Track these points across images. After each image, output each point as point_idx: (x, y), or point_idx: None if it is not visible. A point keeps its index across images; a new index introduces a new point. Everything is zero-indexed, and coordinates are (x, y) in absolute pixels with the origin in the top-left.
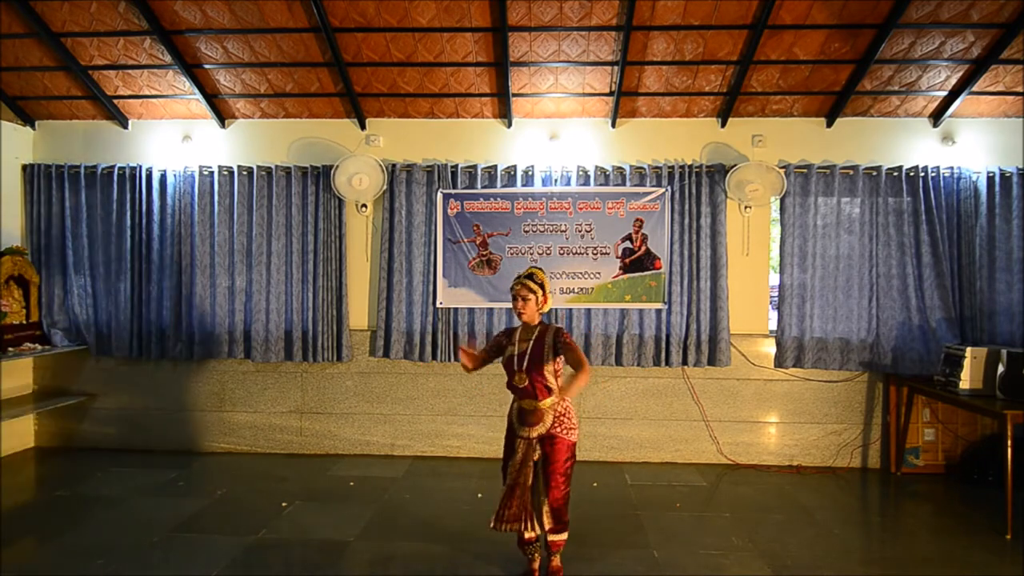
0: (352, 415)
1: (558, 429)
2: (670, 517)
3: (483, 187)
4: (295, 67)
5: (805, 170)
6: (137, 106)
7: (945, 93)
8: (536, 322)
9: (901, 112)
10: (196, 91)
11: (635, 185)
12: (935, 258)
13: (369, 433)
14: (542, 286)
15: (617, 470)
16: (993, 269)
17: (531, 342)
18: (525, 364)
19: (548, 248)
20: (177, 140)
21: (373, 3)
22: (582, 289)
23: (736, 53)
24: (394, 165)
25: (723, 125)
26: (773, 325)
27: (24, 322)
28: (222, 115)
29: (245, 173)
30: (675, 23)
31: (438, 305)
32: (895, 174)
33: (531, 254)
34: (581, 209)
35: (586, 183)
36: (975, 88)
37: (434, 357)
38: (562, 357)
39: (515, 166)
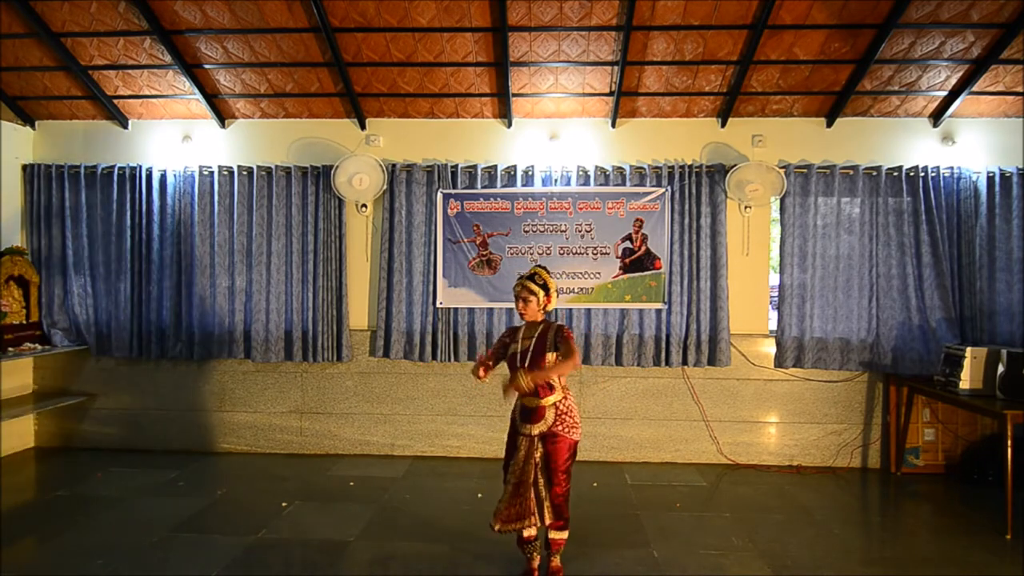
0: (352, 415)
1: (560, 427)
2: (670, 517)
3: (483, 187)
4: (295, 67)
5: (805, 170)
6: (137, 106)
7: (945, 93)
8: (539, 320)
9: (901, 112)
10: (196, 91)
11: (635, 185)
12: (935, 258)
13: (369, 433)
14: (544, 286)
15: (617, 470)
16: (993, 269)
17: (533, 339)
18: (527, 361)
19: (548, 248)
20: (177, 140)
21: (373, 3)
22: (582, 289)
23: (736, 53)
24: (394, 165)
25: (723, 125)
26: (773, 325)
27: (24, 322)
28: (222, 115)
29: (245, 173)
30: (675, 23)
31: (438, 305)
32: (895, 174)
33: (531, 254)
34: (581, 209)
35: (586, 183)
36: (975, 88)
37: (434, 357)
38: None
39: (515, 166)
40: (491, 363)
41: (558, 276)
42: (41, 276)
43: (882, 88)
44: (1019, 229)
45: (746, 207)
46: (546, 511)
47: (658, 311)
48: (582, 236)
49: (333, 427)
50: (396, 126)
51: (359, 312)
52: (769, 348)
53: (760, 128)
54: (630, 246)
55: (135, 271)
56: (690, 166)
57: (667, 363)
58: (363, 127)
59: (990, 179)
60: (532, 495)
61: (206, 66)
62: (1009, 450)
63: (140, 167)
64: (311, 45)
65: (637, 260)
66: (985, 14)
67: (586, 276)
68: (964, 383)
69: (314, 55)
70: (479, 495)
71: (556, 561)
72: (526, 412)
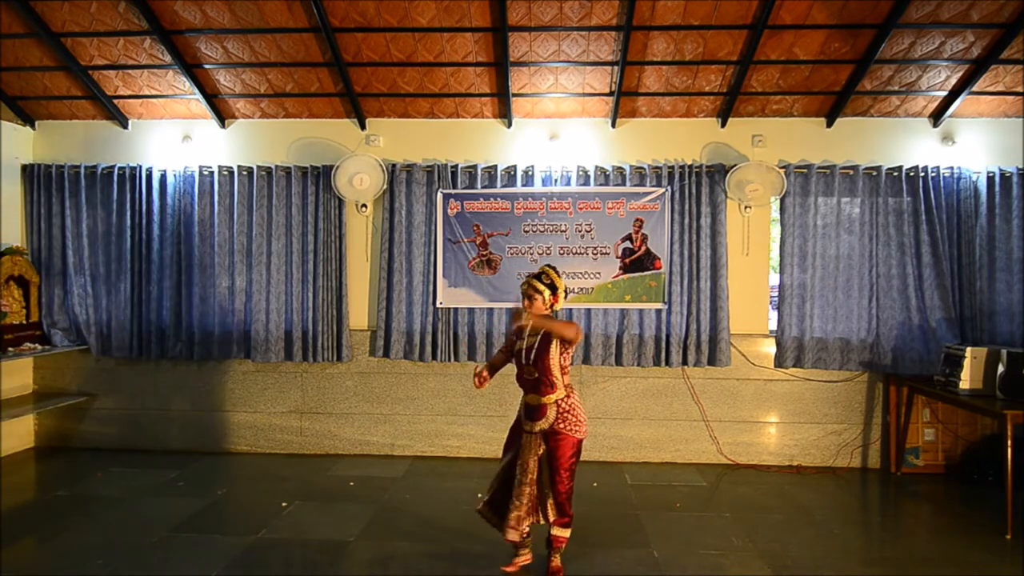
0: (352, 415)
1: (562, 425)
2: (670, 517)
3: (483, 187)
4: (295, 67)
5: (805, 170)
6: (137, 106)
7: (945, 93)
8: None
9: (901, 112)
10: (196, 91)
11: (635, 185)
12: (935, 258)
13: (369, 433)
14: (551, 285)
15: (617, 470)
16: (993, 269)
17: (539, 336)
18: (532, 357)
19: (548, 248)
20: (177, 140)
21: (373, 3)
22: (582, 289)
23: (736, 53)
24: (394, 165)
25: (723, 125)
26: (773, 325)
27: (24, 322)
28: (222, 115)
29: (245, 173)
30: (675, 23)
31: (438, 305)
32: (895, 174)
33: (531, 254)
34: (581, 209)
35: (586, 183)
36: (975, 88)
37: (434, 357)
38: (570, 352)
39: (515, 166)
40: (504, 356)
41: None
42: (41, 276)
43: (882, 88)
44: (1019, 229)
45: (746, 207)
46: (549, 508)
47: (658, 311)
48: (582, 236)
49: (333, 427)
50: (396, 126)
51: (359, 312)
52: (769, 348)
53: (760, 128)
54: (630, 246)
55: (135, 271)
56: (690, 166)
57: (667, 363)
58: (363, 127)
59: (990, 179)
60: (534, 493)
61: (206, 66)
62: (1009, 450)
63: (140, 167)
64: (311, 45)
65: (637, 260)
66: (985, 14)
67: (586, 276)
68: (964, 383)
69: (314, 55)
70: (479, 495)
71: (556, 561)
72: (529, 410)
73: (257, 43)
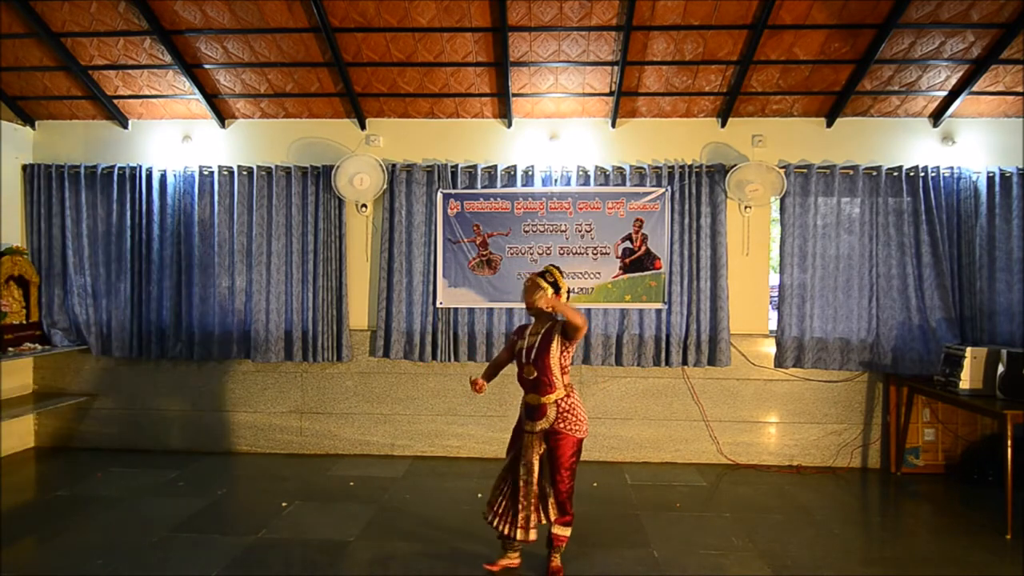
0: (352, 415)
1: (562, 425)
2: (670, 517)
3: (483, 187)
4: (295, 67)
5: (805, 170)
6: (137, 106)
7: (945, 93)
8: (546, 319)
9: (901, 112)
10: (196, 91)
11: (635, 185)
12: (935, 258)
13: (369, 433)
14: (554, 284)
15: (617, 470)
16: (993, 269)
17: (540, 336)
18: (533, 356)
19: (548, 248)
20: (177, 140)
21: (373, 3)
22: (582, 289)
23: (736, 53)
24: (394, 165)
25: (723, 125)
26: (773, 325)
27: (24, 322)
28: (222, 115)
29: (245, 173)
30: (675, 23)
31: (438, 305)
32: (895, 174)
33: (531, 254)
34: (581, 209)
35: (586, 183)
36: (975, 88)
37: (434, 357)
38: (570, 351)
39: (515, 166)
40: (507, 357)
41: None
42: (41, 276)
43: (882, 88)
44: (1019, 229)
45: (746, 207)
46: (551, 507)
47: (658, 311)
48: (582, 236)
49: (333, 427)
50: (396, 126)
51: (359, 312)
52: (769, 348)
53: (760, 128)
54: (630, 246)
55: (135, 271)
56: (690, 166)
57: (667, 363)
58: (363, 127)
59: (990, 179)
60: (536, 492)
61: (206, 66)
62: (1009, 450)
63: (140, 167)
64: (311, 45)
65: (637, 260)
66: (985, 14)
67: (586, 276)
68: (964, 383)
69: (314, 55)
70: (479, 495)
71: (556, 560)
72: (529, 409)
73: (257, 43)
